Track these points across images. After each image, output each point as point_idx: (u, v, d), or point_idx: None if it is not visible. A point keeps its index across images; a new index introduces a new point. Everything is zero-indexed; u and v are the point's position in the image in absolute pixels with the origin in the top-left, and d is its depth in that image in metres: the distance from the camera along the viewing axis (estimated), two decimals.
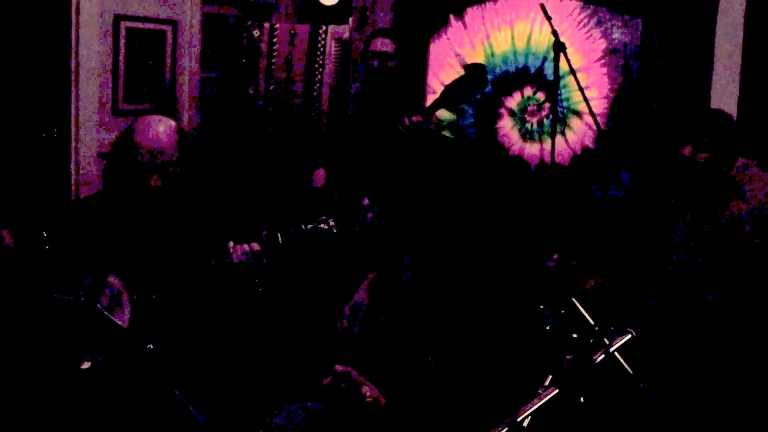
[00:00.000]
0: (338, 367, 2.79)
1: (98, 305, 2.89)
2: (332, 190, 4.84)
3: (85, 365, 2.82)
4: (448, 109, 4.33)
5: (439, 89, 5.48)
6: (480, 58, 5.42)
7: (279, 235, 3.27)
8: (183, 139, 3.34)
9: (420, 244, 3.75)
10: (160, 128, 3.29)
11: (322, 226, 3.32)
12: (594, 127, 4.88)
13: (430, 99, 5.63)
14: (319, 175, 4.96)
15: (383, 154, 4.53)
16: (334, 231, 3.33)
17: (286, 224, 3.32)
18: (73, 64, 5.17)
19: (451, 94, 4.36)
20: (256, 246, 3.25)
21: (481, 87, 4.31)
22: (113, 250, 3.19)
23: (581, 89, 4.13)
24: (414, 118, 4.39)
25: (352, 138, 4.89)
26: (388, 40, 4.88)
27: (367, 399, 2.75)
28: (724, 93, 4.65)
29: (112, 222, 3.28)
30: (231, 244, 3.27)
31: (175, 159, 3.29)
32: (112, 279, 3.09)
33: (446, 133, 5.59)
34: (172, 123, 3.36)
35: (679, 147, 3.65)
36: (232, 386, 3.20)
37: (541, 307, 3.53)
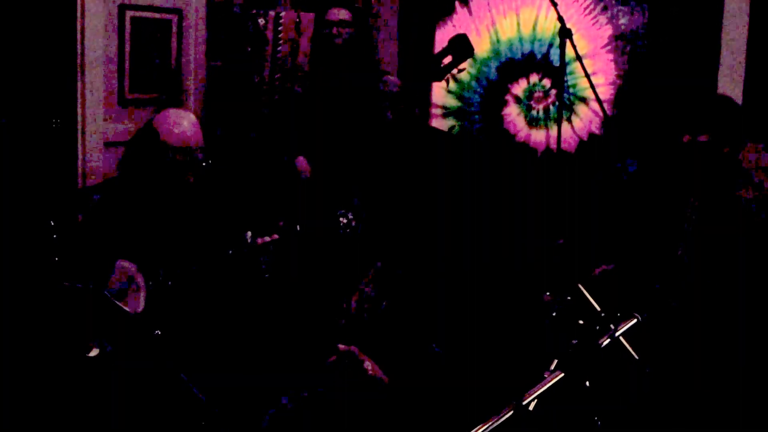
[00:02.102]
0: (341, 347, 2.84)
1: (107, 292, 2.91)
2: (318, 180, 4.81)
3: (93, 352, 2.84)
4: (436, 81, 4.28)
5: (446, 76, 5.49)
6: (486, 45, 5.41)
7: (297, 227, 3.30)
8: (204, 132, 3.36)
9: (422, 234, 3.76)
10: (185, 124, 3.30)
11: (341, 219, 3.35)
12: (600, 113, 4.87)
13: (435, 87, 5.63)
14: (301, 162, 4.95)
15: (368, 138, 4.53)
16: (353, 224, 3.35)
17: (306, 217, 3.34)
18: (78, 54, 5.16)
19: (436, 66, 4.31)
20: (275, 236, 3.27)
21: (467, 55, 4.26)
22: (131, 238, 3.20)
23: (587, 76, 4.12)
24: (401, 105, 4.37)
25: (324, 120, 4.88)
26: (344, 10, 4.91)
27: (369, 372, 2.80)
28: (731, 78, 4.63)
29: (128, 210, 3.29)
30: (249, 234, 3.29)
31: (203, 154, 3.31)
32: (127, 263, 3.10)
33: (452, 121, 5.59)
34: (193, 116, 3.38)
35: (682, 132, 3.65)
36: (240, 370, 3.22)
37: (547, 294, 3.54)
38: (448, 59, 4.13)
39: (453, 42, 4.18)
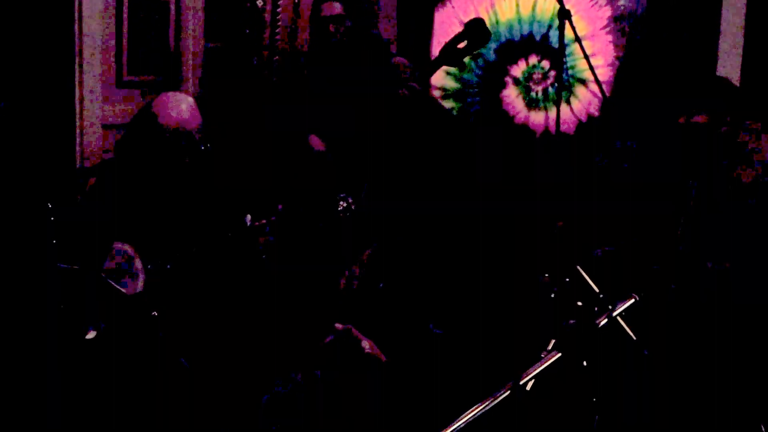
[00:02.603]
0: (338, 326, 2.84)
1: (105, 274, 2.91)
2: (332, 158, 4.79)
3: (90, 335, 2.84)
4: (450, 65, 4.25)
5: None
6: None
7: (300, 209, 3.30)
8: (203, 114, 3.34)
9: (420, 214, 3.75)
10: (183, 106, 3.29)
11: (341, 203, 3.35)
12: (599, 95, 4.86)
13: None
14: (314, 140, 4.90)
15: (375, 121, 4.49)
16: (353, 208, 3.36)
17: (306, 201, 3.34)
18: (76, 36, 5.14)
19: (451, 51, 4.28)
20: (274, 219, 3.28)
21: (484, 41, 4.22)
22: (129, 220, 3.20)
23: (587, 57, 4.11)
24: (411, 83, 4.34)
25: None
26: (336, 3, 4.84)
27: (366, 351, 2.80)
28: (729, 59, 4.62)
29: (125, 193, 3.29)
30: (248, 217, 3.29)
31: (201, 137, 3.30)
32: (125, 246, 3.10)
33: (451, 102, 5.57)
34: (191, 99, 3.36)
35: (680, 113, 3.64)
36: (237, 351, 3.23)
37: (546, 275, 3.54)
38: (463, 44, 4.10)
39: (469, 26, 4.14)
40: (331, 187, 4.16)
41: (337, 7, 4.83)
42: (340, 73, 4.83)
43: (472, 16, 5.42)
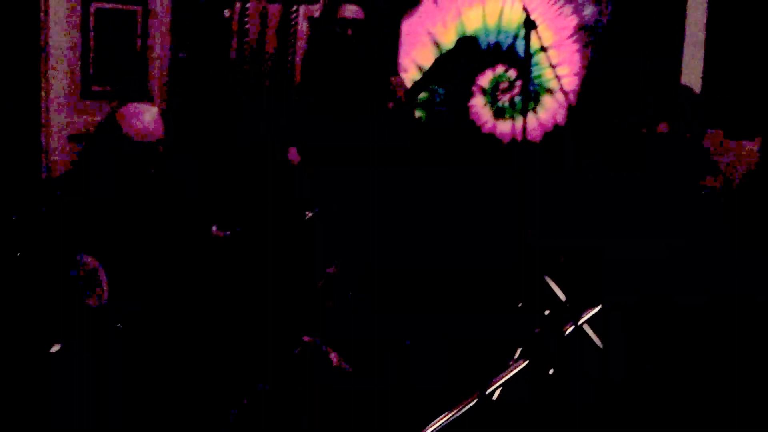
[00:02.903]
0: (306, 338, 2.84)
1: (69, 286, 2.88)
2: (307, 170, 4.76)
3: (55, 348, 2.81)
4: (438, 84, 4.25)
5: (411, 67, 5.49)
6: (452, 36, 5.41)
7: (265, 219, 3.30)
8: (167, 124, 3.33)
9: (388, 224, 3.76)
10: (147, 117, 3.28)
11: (307, 213, 3.36)
12: (565, 104, 4.89)
13: (406, 78, 5.63)
14: (293, 153, 4.85)
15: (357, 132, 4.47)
16: (315, 220, 3.36)
17: (273, 210, 3.33)
18: (42, 46, 5.11)
19: (442, 68, 4.25)
20: (238, 230, 3.26)
21: (473, 60, 4.22)
22: (94, 233, 3.18)
23: (552, 66, 4.14)
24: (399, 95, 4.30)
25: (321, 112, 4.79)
26: (357, 8, 4.73)
27: (334, 364, 2.81)
28: (692, 68, 4.67)
29: (89, 204, 3.27)
30: (215, 228, 3.27)
31: (165, 146, 3.29)
32: (88, 258, 3.08)
33: (418, 112, 5.59)
34: (155, 109, 3.35)
35: (641, 124, 3.68)
36: (204, 362, 3.21)
37: (514, 284, 3.55)
38: (453, 63, 4.10)
39: (461, 43, 4.12)
40: (303, 197, 4.17)
41: (358, 12, 4.71)
42: (339, 78, 4.75)
43: (439, 26, 5.46)
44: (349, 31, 4.69)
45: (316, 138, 4.71)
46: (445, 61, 4.24)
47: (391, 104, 4.43)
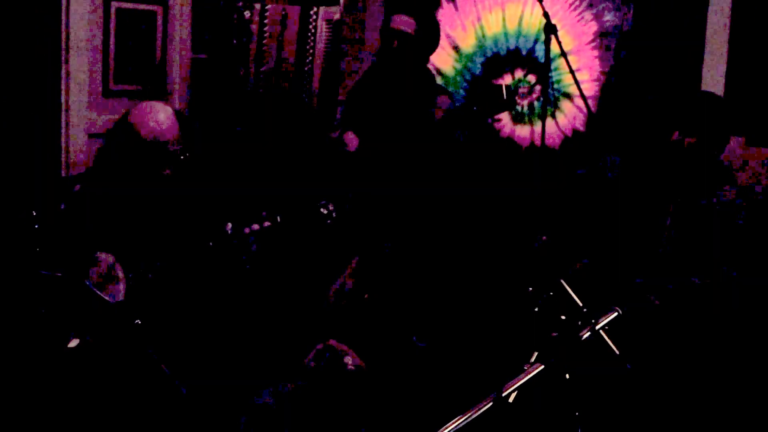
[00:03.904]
0: (319, 346, 2.84)
1: (87, 281, 2.89)
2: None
3: (73, 343, 2.82)
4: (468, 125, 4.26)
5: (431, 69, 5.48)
6: (471, 40, 5.41)
7: (278, 217, 3.28)
8: (182, 124, 3.34)
9: (406, 227, 3.75)
10: (161, 116, 3.28)
11: (322, 210, 3.34)
12: (585, 110, 4.88)
13: None
14: (351, 139, 4.68)
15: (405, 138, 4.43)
16: (334, 215, 3.35)
17: (288, 206, 3.33)
18: (63, 45, 5.14)
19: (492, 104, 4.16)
20: (256, 226, 3.26)
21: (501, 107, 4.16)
22: (110, 230, 3.19)
23: (572, 72, 4.13)
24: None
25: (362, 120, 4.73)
26: (409, 19, 4.58)
27: (349, 367, 2.80)
28: (713, 74, 4.65)
29: (107, 202, 3.28)
30: (229, 226, 3.27)
31: (181, 147, 3.29)
32: (107, 255, 3.09)
33: None
34: (170, 109, 3.35)
35: (668, 132, 3.66)
36: (220, 362, 3.22)
37: (530, 288, 3.55)
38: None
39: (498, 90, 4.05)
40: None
41: (409, 24, 4.58)
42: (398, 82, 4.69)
43: (459, 30, 5.46)
44: (395, 43, 4.58)
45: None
46: (494, 95, 4.14)
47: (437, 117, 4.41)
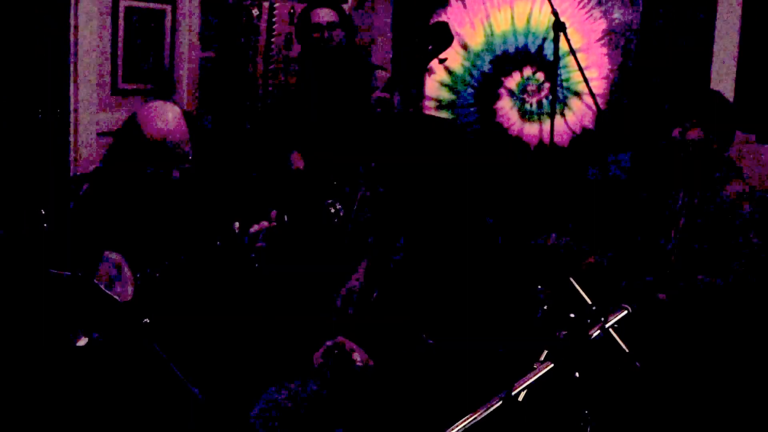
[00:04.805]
0: (328, 343, 2.84)
1: (96, 280, 2.90)
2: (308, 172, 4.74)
3: (82, 342, 2.82)
4: (419, 71, 4.24)
5: (438, 69, 5.49)
6: (480, 38, 5.40)
7: (285, 216, 3.28)
8: (190, 124, 3.34)
9: (415, 225, 3.73)
10: (169, 116, 3.27)
11: (330, 209, 3.34)
12: (594, 107, 4.86)
13: (428, 80, 5.62)
14: (294, 157, 4.87)
15: (358, 135, 4.46)
16: (341, 214, 3.35)
17: (293, 205, 3.33)
18: (72, 44, 5.15)
19: (416, 57, 4.22)
20: (265, 224, 3.26)
21: (446, 45, 4.16)
22: (117, 230, 3.19)
23: (581, 69, 4.12)
24: (379, 94, 4.27)
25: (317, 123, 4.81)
26: (328, 10, 4.77)
27: (358, 364, 2.80)
28: (723, 72, 4.64)
29: (115, 201, 3.28)
30: (237, 225, 3.27)
31: (188, 147, 3.29)
32: (113, 255, 3.09)
33: (445, 114, 5.58)
34: (177, 109, 3.35)
35: (674, 128, 3.65)
36: (228, 361, 3.22)
37: (539, 287, 3.53)
38: (428, 48, 4.07)
39: (432, 30, 4.10)
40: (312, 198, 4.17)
41: (330, 14, 4.76)
42: (331, 78, 4.78)
43: (467, 28, 5.45)
44: (326, 34, 4.73)
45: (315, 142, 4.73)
46: (418, 48, 4.17)
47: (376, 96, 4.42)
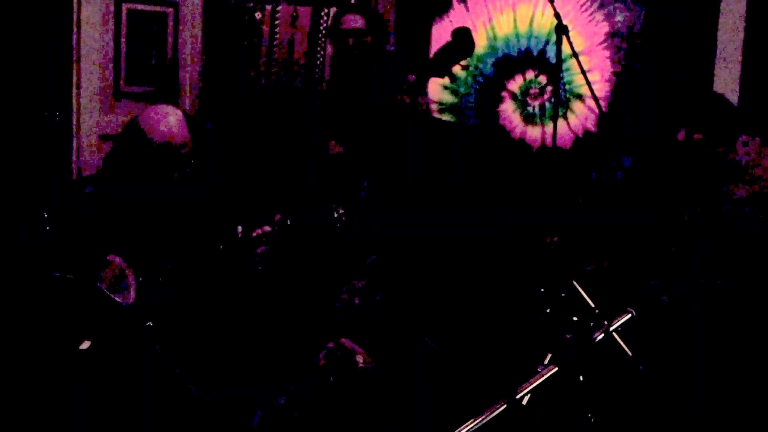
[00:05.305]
0: (331, 344, 2.84)
1: (99, 283, 2.90)
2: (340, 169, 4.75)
3: (84, 345, 2.82)
4: (439, 76, 4.26)
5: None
6: (482, 41, 5.40)
7: (288, 220, 3.28)
8: (191, 127, 3.34)
9: (419, 228, 3.74)
10: (171, 120, 3.28)
11: (333, 213, 3.34)
12: (596, 110, 4.86)
13: (431, 83, 5.62)
14: (332, 144, 4.86)
15: (376, 135, 4.48)
16: (344, 219, 3.35)
17: (299, 210, 3.33)
18: (74, 46, 5.15)
19: (440, 61, 4.26)
20: (267, 228, 3.26)
21: (469, 51, 4.21)
22: (120, 233, 3.19)
23: (584, 72, 4.11)
24: (402, 97, 4.31)
25: (342, 120, 4.83)
26: (357, 16, 4.79)
27: (360, 366, 2.80)
28: (727, 75, 4.63)
29: (117, 205, 3.28)
30: (240, 228, 3.27)
31: (190, 150, 3.29)
32: (116, 258, 3.09)
33: (447, 117, 5.58)
34: (179, 112, 3.35)
35: (676, 130, 3.65)
36: (231, 364, 3.22)
37: (542, 289, 3.53)
38: (448, 54, 4.11)
39: (455, 35, 4.14)
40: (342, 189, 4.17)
41: (359, 21, 4.77)
42: (355, 84, 4.80)
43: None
44: (351, 41, 4.74)
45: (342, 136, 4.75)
46: (442, 52, 4.22)
47: (406, 99, 4.45)
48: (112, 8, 5.29)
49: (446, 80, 5.20)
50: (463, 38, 4.16)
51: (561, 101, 4.96)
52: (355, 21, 4.78)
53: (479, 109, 5.49)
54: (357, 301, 3.24)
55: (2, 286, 3.03)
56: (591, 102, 4.93)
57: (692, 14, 4.78)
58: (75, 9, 5.10)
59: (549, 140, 4.99)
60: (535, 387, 2.10)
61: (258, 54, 5.84)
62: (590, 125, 5.14)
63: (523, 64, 5.32)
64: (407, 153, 4.49)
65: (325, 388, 2.93)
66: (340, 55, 4.96)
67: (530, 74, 5.31)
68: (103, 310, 2.87)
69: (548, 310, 3.40)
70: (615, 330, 2.42)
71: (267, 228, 3.27)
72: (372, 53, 4.82)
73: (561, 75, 4.58)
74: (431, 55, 5.58)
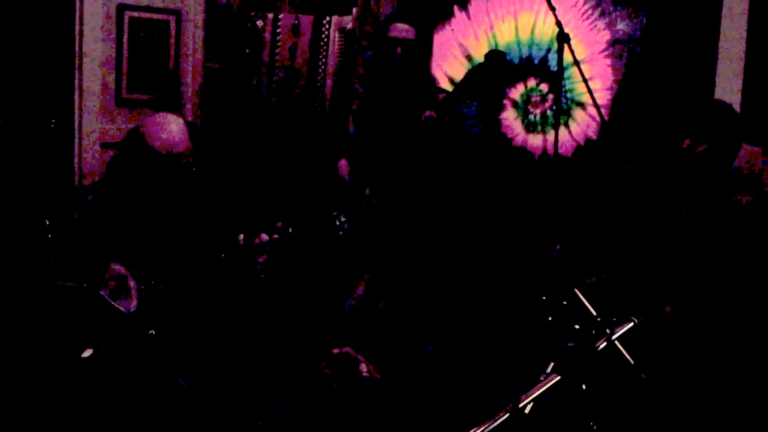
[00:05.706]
0: (335, 351, 2.83)
1: (101, 292, 2.90)
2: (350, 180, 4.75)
3: (87, 353, 2.82)
4: (470, 98, 4.28)
5: (443, 80, 5.50)
6: (484, 49, 5.41)
7: (289, 228, 3.28)
8: (193, 135, 3.34)
9: (421, 234, 3.74)
10: (173, 128, 3.27)
11: (335, 221, 3.34)
12: (597, 118, 4.86)
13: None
14: (343, 165, 4.86)
15: (399, 145, 4.48)
16: (345, 227, 3.35)
17: (300, 217, 3.33)
18: (76, 54, 5.16)
19: (472, 83, 4.27)
20: (265, 237, 3.26)
21: (504, 74, 4.22)
22: (122, 241, 3.19)
23: (585, 80, 4.11)
24: (428, 113, 4.32)
25: (367, 128, 4.81)
26: (409, 26, 4.76)
27: (364, 374, 2.80)
28: (728, 83, 4.63)
29: (120, 212, 3.28)
30: (241, 237, 3.27)
31: (192, 159, 3.29)
32: (117, 266, 3.09)
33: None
34: (181, 120, 3.35)
35: (680, 139, 3.65)
36: (234, 372, 3.21)
37: (543, 298, 3.53)
38: (480, 76, 4.12)
39: (489, 57, 4.13)
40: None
41: (411, 32, 4.75)
42: (389, 92, 4.79)
43: (471, 39, 5.46)
44: (399, 50, 4.72)
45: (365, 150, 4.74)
46: (475, 73, 4.25)
47: (432, 114, 4.46)
48: (114, 16, 5.30)
49: (448, 88, 5.21)
50: (498, 60, 4.14)
51: (562, 109, 4.97)
52: (408, 32, 4.75)
53: (481, 117, 5.49)
54: (359, 309, 3.24)
55: (4, 293, 3.03)
56: (592, 110, 4.93)
57: (694, 22, 4.78)
58: (77, 16, 5.11)
59: (550, 148, 4.99)
60: (537, 396, 2.10)
61: (260, 62, 5.84)
62: (592, 133, 5.14)
63: (525, 72, 5.33)
64: (423, 162, 4.49)
65: (329, 396, 2.93)
66: (380, 62, 4.91)
67: (532, 82, 5.31)
68: (105, 318, 2.87)
69: (550, 318, 3.40)
70: (617, 338, 2.42)
71: (266, 237, 3.26)
72: (414, 65, 4.80)
73: (562, 83, 4.58)
74: (431, 62, 5.60)
